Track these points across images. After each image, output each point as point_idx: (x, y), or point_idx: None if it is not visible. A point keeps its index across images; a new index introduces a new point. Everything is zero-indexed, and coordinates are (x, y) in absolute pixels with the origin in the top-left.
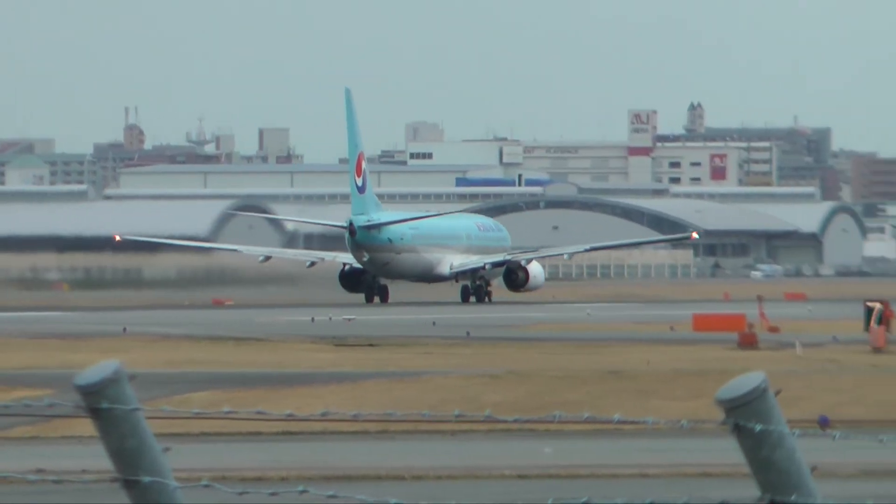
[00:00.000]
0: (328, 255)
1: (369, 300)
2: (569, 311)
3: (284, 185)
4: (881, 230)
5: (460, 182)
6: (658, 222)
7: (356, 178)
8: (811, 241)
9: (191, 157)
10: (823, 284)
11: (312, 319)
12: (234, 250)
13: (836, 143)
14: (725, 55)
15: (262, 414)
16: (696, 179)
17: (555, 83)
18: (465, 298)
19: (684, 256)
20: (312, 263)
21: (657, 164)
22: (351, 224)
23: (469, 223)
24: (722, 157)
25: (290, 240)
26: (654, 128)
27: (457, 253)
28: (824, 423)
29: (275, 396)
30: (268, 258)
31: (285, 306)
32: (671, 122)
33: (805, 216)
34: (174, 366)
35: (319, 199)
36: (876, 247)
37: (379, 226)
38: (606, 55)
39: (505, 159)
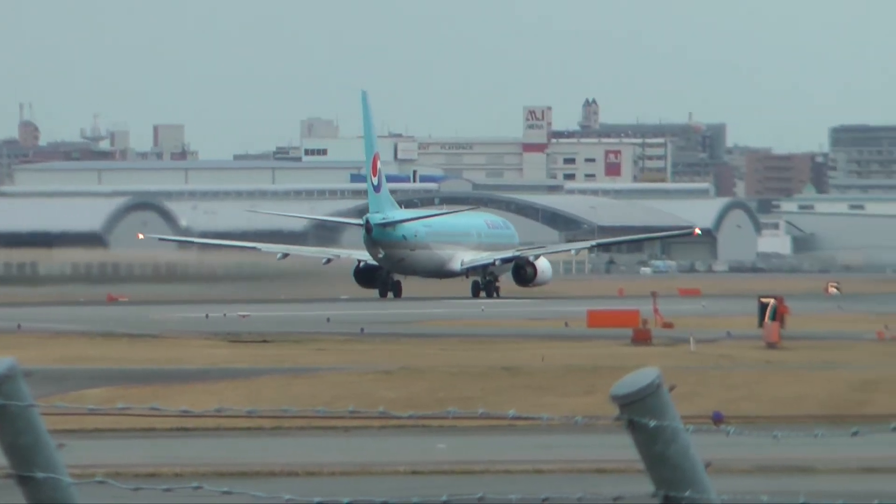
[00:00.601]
0: (343, 252)
1: (383, 295)
2: (464, 308)
3: (179, 182)
4: (775, 226)
5: (355, 178)
6: (553, 218)
7: (372, 177)
8: (705, 237)
9: (86, 153)
10: (717, 280)
11: (206, 316)
12: (254, 248)
13: (731, 139)
14: (620, 51)
15: (156, 410)
16: (590, 176)
17: (450, 79)
18: (475, 293)
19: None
20: (329, 260)
21: (552, 161)
22: (367, 221)
23: (479, 221)
24: (616, 153)
25: (185, 235)
26: (549, 124)
27: (467, 249)
28: (718, 418)
29: (169, 393)
30: (285, 255)
31: (179, 303)
32: (566, 118)
33: (699, 212)
34: (68, 362)
35: (214, 195)
36: (770, 242)
37: (394, 223)
38: (501, 51)
39: (400, 155)
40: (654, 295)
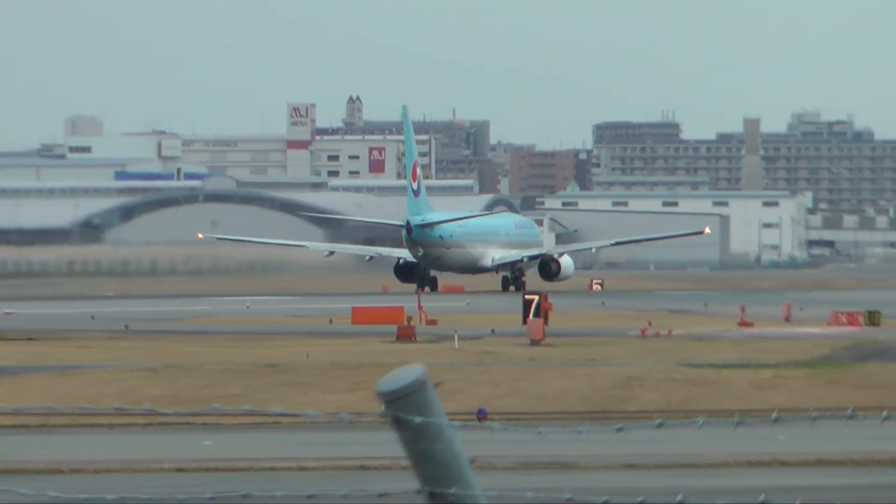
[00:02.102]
0: (384, 251)
1: (420, 289)
2: (229, 305)
3: None
4: (539, 223)
5: (119, 176)
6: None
7: (412, 182)
8: None
9: None
10: (479, 277)
11: None
12: (302, 246)
13: (495, 136)
14: (383, 49)
15: None
16: (354, 173)
17: (213, 76)
18: (505, 288)
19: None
20: (371, 258)
21: (316, 158)
22: (408, 223)
23: (507, 221)
24: (380, 150)
25: None
26: (313, 121)
27: (497, 248)
28: (482, 415)
29: None
30: (331, 253)
31: None
32: (330, 115)
33: (463, 209)
34: None
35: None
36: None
37: (432, 224)
38: (265, 48)
39: (164, 153)
40: (418, 292)
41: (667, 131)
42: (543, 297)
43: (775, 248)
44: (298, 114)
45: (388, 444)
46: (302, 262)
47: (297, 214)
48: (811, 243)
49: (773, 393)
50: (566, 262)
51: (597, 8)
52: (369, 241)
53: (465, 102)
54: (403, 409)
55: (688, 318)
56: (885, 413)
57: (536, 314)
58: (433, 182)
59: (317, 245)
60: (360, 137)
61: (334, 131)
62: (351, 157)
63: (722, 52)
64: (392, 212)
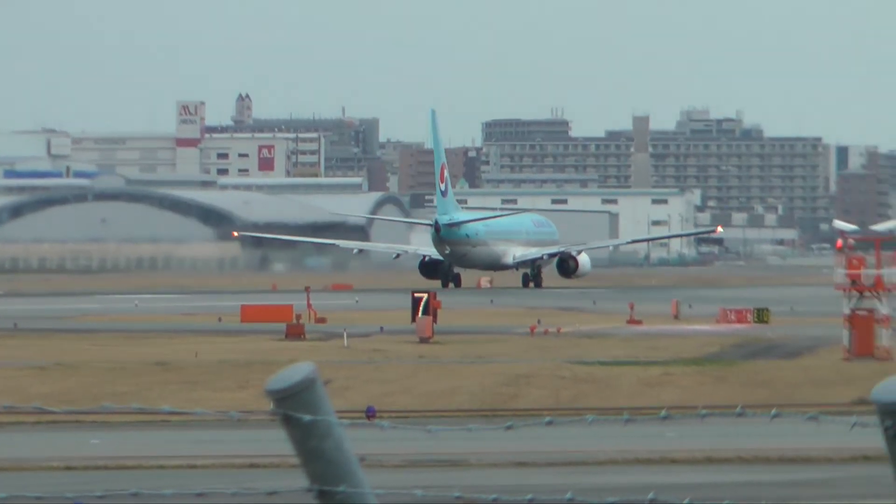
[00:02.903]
0: (410, 248)
1: (445, 285)
2: (118, 303)
3: None
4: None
5: (8, 174)
6: (206, 214)
7: (440, 184)
8: (358, 233)
9: None
10: (371, 275)
11: None
12: (333, 244)
13: (384, 133)
14: (272, 46)
15: None
16: (244, 171)
17: (102, 73)
18: (525, 284)
19: (232, 248)
20: (398, 255)
21: (205, 156)
22: (437, 222)
23: (527, 220)
24: (270, 148)
25: None
26: (202, 119)
27: (518, 246)
28: (371, 413)
29: None
30: (361, 251)
31: None
32: (219, 113)
33: (352, 207)
34: None
35: None
36: (423, 237)
37: (459, 224)
38: (153, 45)
39: (53, 151)
40: (307, 290)
41: (556, 129)
42: (432, 294)
43: (664, 245)
44: (188, 112)
45: (277, 442)
46: (191, 259)
47: (186, 212)
48: (700, 241)
49: (663, 390)
50: (584, 259)
51: (486, 6)
52: (258, 240)
53: (354, 100)
54: (293, 407)
55: (577, 315)
56: (773, 411)
57: (425, 312)
58: (322, 180)
59: (346, 243)
60: (249, 135)
61: (224, 129)
62: (240, 156)
63: (611, 50)
64: (281, 210)
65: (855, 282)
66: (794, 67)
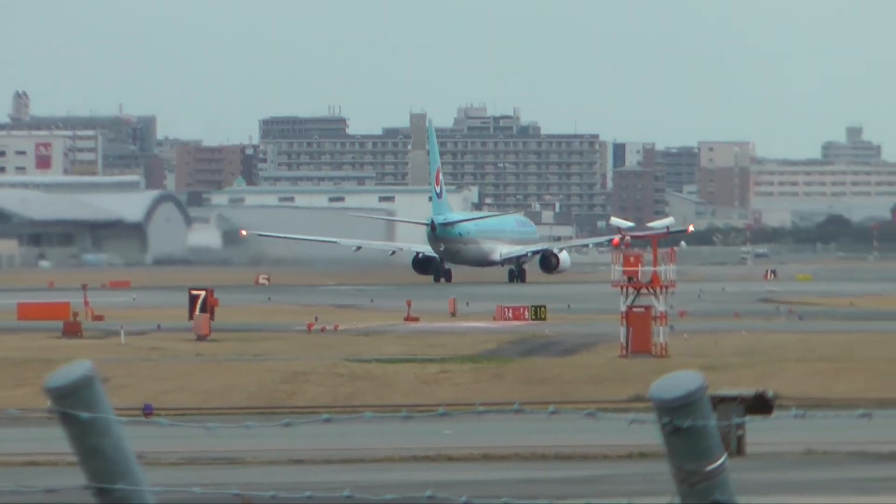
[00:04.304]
0: (405, 246)
1: (437, 280)
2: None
3: None
4: (206, 220)
5: None
6: None
7: (435, 186)
8: (136, 231)
9: None
10: (148, 273)
11: None
12: (334, 242)
13: (162, 131)
14: (48, 42)
15: None
16: (21, 168)
17: None
18: (511, 279)
19: (8, 246)
20: (394, 252)
21: None
22: (432, 222)
23: (511, 220)
24: (47, 145)
25: None
26: None
27: (504, 244)
28: (148, 410)
29: None
30: (359, 248)
31: None
32: None
33: (129, 205)
34: None
35: None
36: (201, 236)
37: (453, 223)
38: None
39: None
40: (84, 287)
41: (333, 126)
42: (210, 292)
43: None
44: None
45: (55, 440)
46: None
47: None
48: None
49: (440, 387)
50: (564, 256)
51: (262, 2)
52: (36, 237)
53: (131, 97)
54: (71, 405)
55: (354, 313)
56: (551, 407)
57: (203, 309)
58: (100, 178)
59: (346, 241)
60: (26, 133)
61: (1, 127)
62: (18, 153)
63: (388, 47)
64: (59, 208)
65: (632, 279)
66: (570, 66)
